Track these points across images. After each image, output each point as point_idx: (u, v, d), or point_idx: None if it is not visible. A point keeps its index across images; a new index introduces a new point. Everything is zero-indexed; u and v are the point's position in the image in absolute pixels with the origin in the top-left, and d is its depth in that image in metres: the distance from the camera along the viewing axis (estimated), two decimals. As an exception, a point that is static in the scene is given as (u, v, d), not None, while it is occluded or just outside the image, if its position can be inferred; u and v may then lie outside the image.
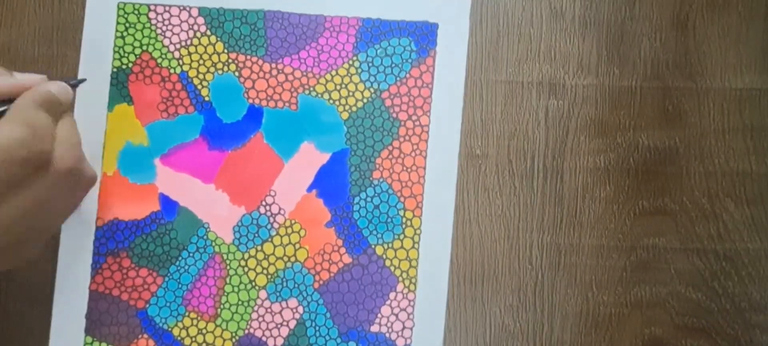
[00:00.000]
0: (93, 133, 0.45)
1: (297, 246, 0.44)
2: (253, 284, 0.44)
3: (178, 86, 0.45)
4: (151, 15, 0.45)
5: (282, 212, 0.44)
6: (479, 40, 0.45)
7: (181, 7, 0.45)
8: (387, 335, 0.44)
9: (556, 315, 0.44)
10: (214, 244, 0.44)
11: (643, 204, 0.44)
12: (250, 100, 0.45)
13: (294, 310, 0.44)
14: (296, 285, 0.44)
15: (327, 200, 0.45)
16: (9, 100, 0.36)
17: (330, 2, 0.45)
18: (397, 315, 0.44)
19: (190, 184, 0.45)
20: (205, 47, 0.45)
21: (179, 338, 0.44)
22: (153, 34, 0.45)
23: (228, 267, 0.44)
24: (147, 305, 0.44)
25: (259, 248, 0.44)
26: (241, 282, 0.44)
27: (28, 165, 0.34)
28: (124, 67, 0.45)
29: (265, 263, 0.44)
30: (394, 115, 0.45)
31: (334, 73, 0.45)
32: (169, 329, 0.44)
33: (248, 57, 0.45)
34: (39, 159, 0.34)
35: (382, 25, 0.45)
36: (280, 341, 0.44)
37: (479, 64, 0.45)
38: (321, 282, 0.44)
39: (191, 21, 0.45)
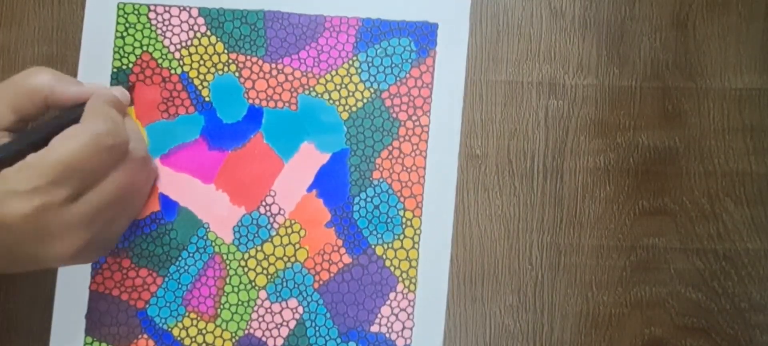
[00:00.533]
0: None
1: (297, 246, 0.44)
2: (253, 284, 0.44)
3: (179, 86, 0.45)
4: (151, 15, 0.45)
5: (282, 212, 0.45)
6: (479, 40, 0.45)
7: (181, 8, 0.46)
8: (387, 335, 0.44)
9: (556, 315, 0.44)
10: (214, 244, 0.44)
11: (643, 204, 0.44)
12: (250, 101, 0.45)
13: (294, 310, 0.44)
14: (296, 285, 0.44)
15: (327, 200, 0.45)
16: (80, 104, 0.39)
17: (330, 2, 0.45)
18: (397, 315, 0.44)
19: (190, 184, 0.45)
20: (206, 48, 0.45)
21: (179, 339, 0.44)
22: (153, 35, 0.45)
23: (228, 267, 0.44)
24: (147, 305, 0.44)
25: (259, 248, 0.44)
26: (241, 282, 0.44)
27: (113, 153, 0.38)
28: (124, 67, 0.45)
29: (265, 263, 0.44)
30: (394, 115, 0.45)
31: (334, 73, 0.45)
32: (169, 330, 0.44)
33: (248, 57, 0.45)
34: (121, 147, 0.38)
35: (382, 25, 0.45)
36: (280, 341, 0.44)
37: (479, 64, 0.45)
38: (321, 282, 0.44)
39: (191, 21, 0.45)
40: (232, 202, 0.45)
